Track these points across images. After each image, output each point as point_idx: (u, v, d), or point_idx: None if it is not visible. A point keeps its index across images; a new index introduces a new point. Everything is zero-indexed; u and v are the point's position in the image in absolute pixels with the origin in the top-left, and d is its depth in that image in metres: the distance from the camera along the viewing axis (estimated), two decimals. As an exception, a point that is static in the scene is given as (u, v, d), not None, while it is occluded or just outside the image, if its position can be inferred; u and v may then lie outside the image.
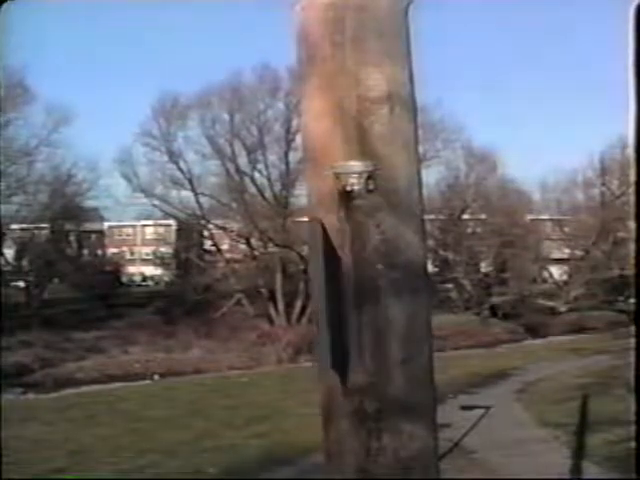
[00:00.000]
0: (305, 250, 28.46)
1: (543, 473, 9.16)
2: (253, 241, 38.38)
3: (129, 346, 31.90)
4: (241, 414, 15.48)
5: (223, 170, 38.41)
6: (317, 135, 1.99)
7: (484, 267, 43.40)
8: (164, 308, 37.18)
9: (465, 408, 14.57)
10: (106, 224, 48.84)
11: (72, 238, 44.60)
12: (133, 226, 50.90)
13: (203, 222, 40.41)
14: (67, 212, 38.96)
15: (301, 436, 11.21)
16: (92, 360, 29.87)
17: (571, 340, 32.00)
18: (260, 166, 38.03)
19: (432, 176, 38.06)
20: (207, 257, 42.61)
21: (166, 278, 45.45)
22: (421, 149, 2.16)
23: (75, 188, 38.97)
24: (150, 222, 46.91)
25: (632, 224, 2.34)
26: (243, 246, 39.42)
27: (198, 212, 39.36)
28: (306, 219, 2.03)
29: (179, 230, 44.11)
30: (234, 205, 38.38)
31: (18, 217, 36.12)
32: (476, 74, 58.02)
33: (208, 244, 42.40)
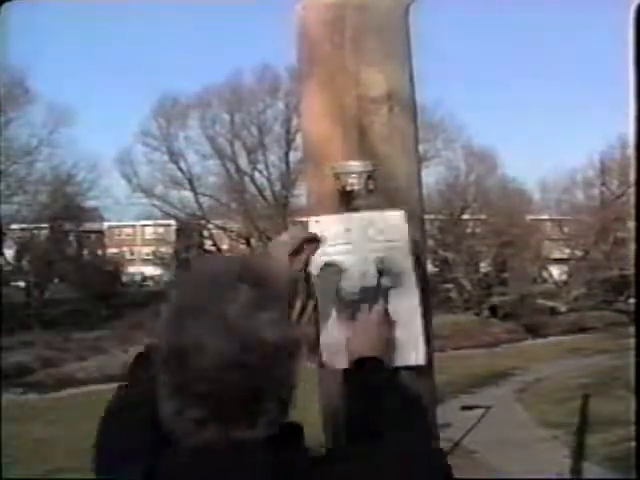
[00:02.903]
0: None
1: (543, 473, 9.17)
2: (253, 241, 38.34)
3: (129, 346, 31.86)
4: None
5: (223, 170, 38.41)
6: (317, 135, 1.99)
7: (484, 267, 43.34)
8: (164, 308, 37.00)
9: (465, 408, 14.59)
10: (106, 224, 48.75)
11: (72, 238, 44.55)
12: (133, 226, 50.86)
13: (203, 222, 40.39)
14: (67, 212, 38.91)
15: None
16: (92, 360, 29.82)
17: (571, 340, 31.95)
18: (260, 166, 38.04)
19: (432, 176, 38.05)
20: (207, 257, 42.54)
21: (166, 278, 45.38)
22: (421, 149, 2.15)
23: (75, 188, 38.95)
24: (150, 222, 46.86)
25: (632, 224, 2.34)
26: (243, 246, 39.39)
27: (198, 212, 39.34)
28: (306, 219, 2.03)
29: (179, 230, 44.05)
30: (234, 205, 38.37)
31: (18, 217, 36.11)
32: (477, 74, 58.04)
33: (208, 244, 42.36)
